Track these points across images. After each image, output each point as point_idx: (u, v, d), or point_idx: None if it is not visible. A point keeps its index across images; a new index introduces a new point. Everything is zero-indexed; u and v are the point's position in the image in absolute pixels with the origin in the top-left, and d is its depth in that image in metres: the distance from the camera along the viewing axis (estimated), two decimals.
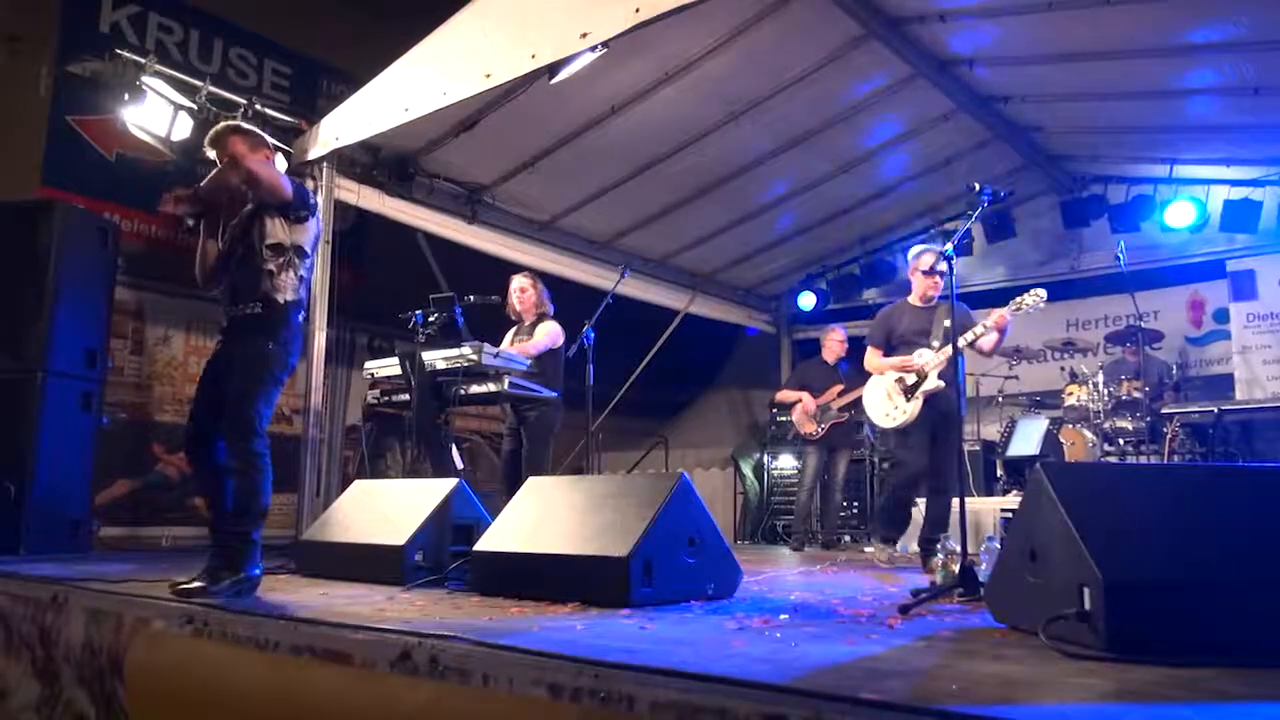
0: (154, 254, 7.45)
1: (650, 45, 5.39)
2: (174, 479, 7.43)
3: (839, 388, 7.21)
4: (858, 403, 7.27)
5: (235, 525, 3.42)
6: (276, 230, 3.55)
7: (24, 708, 3.08)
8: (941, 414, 4.91)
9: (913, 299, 5.18)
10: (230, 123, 3.83)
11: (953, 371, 4.67)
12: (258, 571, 3.42)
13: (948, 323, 4.72)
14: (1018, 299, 4.87)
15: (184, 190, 3.51)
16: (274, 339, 3.49)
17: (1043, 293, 4.87)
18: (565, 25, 4.67)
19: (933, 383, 4.90)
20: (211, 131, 3.66)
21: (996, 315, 4.85)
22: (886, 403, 5.09)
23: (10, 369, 5.41)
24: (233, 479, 3.45)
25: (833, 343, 7.51)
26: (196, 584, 3.22)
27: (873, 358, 5.21)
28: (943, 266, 4.61)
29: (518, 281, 5.74)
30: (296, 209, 3.59)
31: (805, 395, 7.30)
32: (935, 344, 4.97)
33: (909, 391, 4.99)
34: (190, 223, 3.51)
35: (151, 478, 7.35)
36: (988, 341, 4.92)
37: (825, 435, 7.23)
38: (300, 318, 3.62)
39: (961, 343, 4.64)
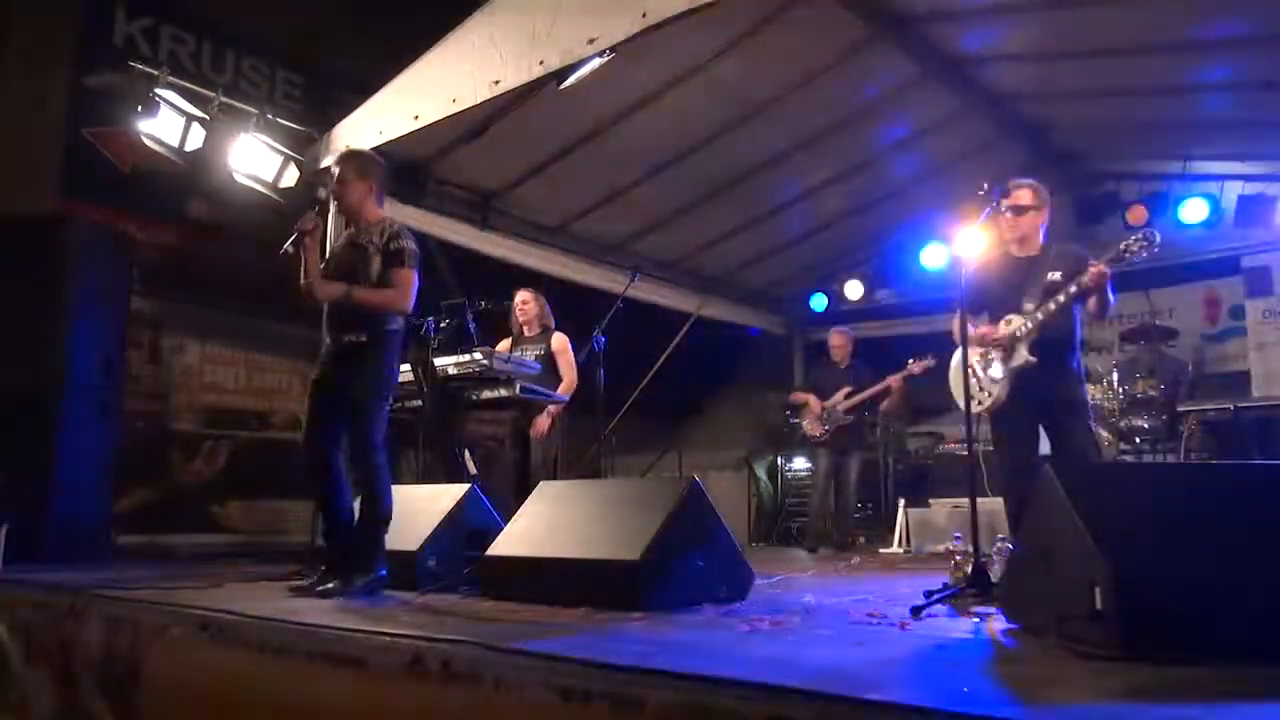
0: (170, 264, 7.51)
1: (658, 49, 5.38)
2: (191, 487, 7.49)
3: (846, 389, 7.23)
4: (870, 404, 7.28)
5: (365, 530, 3.69)
6: (377, 270, 3.79)
7: (43, 715, 3.11)
8: (1044, 399, 3.89)
9: (1012, 248, 4.13)
10: (347, 150, 4.36)
11: (1045, 341, 3.86)
12: (384, 571, 3.66)
13: (1054, 274, 3.89)
14: (1125, 243, 3.81)
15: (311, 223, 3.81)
16: (382, 362, 3.81)
17: (1155, 235, 3.80)
18: (573, 31, 4.69)
19: (1020, 357, 3.87)
20: (337, 155, 4.13)
21: (1091, 272, 3.74)
22: (971, 381, 3.99)
23: (29, 379, 5.46)
24: (360, 490, 3.74)
25: (832, 346, 7.57)
26: (331, 584, 3.52)
27: (955, 324, 3.99)
28: (1027, 198, 3.96)
29: (521, 295, 5.93)
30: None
31: (811, 397, 7.37)
32: (1030, 305, 3.90)
33: (993, 368, 3.96)
34: (292, 249, 3.74)
35: (169, 486, 7.40)
36: (1091, 303, 3.87)
37: (832, 437, 7.25)
38: (399, 341, 3.92)
39: (1054, 305, 3.84)
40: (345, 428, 3.77)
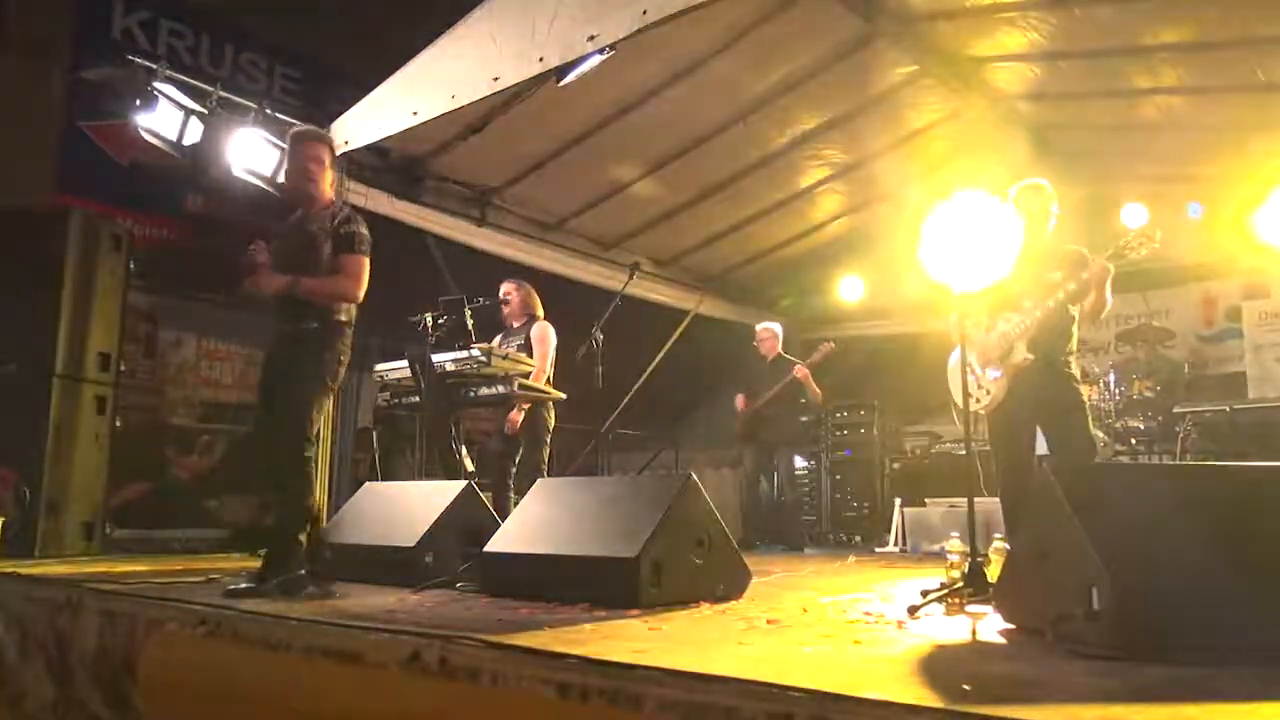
0: (167, 259, 7.50)
1: (658, 46, 5.39)
2: (187, 481, 7.47)
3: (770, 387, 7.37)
4: (776, 401, 7.32)
5: (283, 526, 3.55)
6: (328, 256, 3.65)
7: (39, 709, 3.10)
8: (1040, 399, 3.86)
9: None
10: (311, 128, 4.11)
11: (1042, 341, 3.84)
12: (304, 570, 3.51)
13: (1053, 273, 3.88)
14: (1125, 239, 3.81)
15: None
16: (331, 351, 3.65)
17: (1156, 232, 3.79)
18: (573, 28, 4.68)
19: (1019, 354, 3.85)
20: (295, 130, 3.91)
21: (1095, 268, 3.74)
22: (969, 380, 3.80)
23: (25, 373, 5.45)
24: (281, 483, 3.59)
25: (758, 341, 7.71)
26: (245, 585, 3.34)
27: (952, 324, 3.82)
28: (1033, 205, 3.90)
29: (503, 287, 5.85)
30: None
31: (739, 398, 7.63)
32: (1028, 303, 3.89)
33: (991, 367, 3.96)
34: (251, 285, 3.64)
35: (165, 480, 7.39)
36: (1089, 302, 3.84)
37: (758, 435, 7.45)
38: (351, 332, 3.76)
39: (1053, 303, 3.83)
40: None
